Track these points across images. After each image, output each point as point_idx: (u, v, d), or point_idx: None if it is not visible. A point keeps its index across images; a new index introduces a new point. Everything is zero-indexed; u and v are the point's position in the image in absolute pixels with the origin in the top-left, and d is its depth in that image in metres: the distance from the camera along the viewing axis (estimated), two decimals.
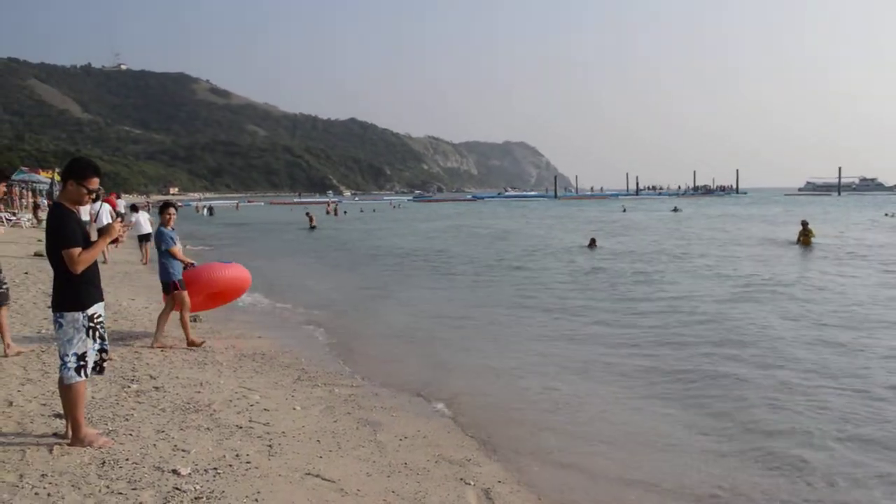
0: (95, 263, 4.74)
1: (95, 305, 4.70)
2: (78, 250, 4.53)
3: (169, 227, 8.54)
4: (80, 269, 4.55)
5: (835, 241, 26.44)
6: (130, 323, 9.65)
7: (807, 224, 25.34)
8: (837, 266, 18.45)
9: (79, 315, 4.60)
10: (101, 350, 4.78)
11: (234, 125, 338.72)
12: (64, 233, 4.55)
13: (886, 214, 48.54)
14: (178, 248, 8.54)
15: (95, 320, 4.69)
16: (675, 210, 61.71)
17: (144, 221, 19.38)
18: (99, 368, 4.83)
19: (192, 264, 8.88)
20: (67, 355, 4.60)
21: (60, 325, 4.61)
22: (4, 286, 7.30)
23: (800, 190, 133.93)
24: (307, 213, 42.98)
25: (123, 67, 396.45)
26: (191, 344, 8.42)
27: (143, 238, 18.95)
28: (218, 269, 9.29)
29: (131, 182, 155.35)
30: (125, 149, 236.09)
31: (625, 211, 63.55)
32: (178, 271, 8.49)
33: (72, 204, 4.69)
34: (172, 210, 8.69)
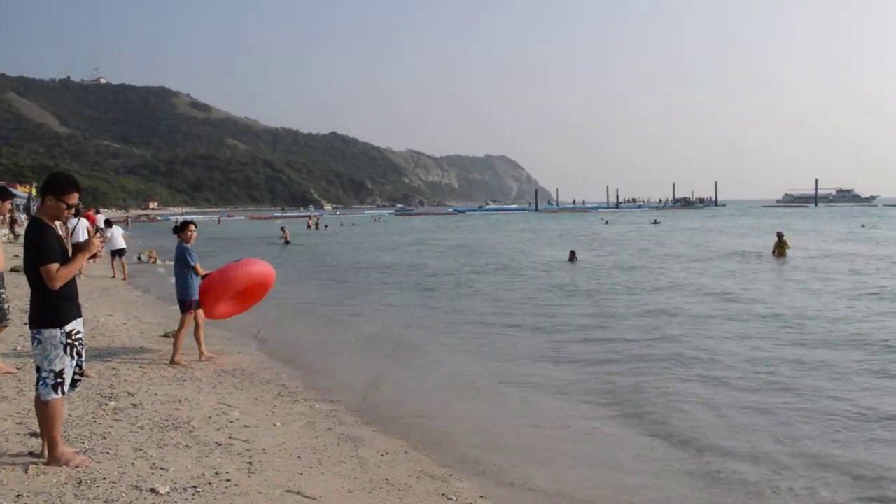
0: (74, 280, 4.69)
1: (74, 322, 4.64)
2: (56, 266, 4.47)
3: (190, 244, 8.57)
4: (57, 285, 4.49)
5: (813, 253, 26.53)
6: (108, 339, 9.54)
7: (782, 235, 25.32)
8: (813, 280, 18.55)
9: (57, 332, 4.53)
10: (78, 366, 4.71)
11: (214, 139, 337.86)
12: (42, 248, 4.49)
13: (863, 225, 49.33)
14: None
15: (73, 337, 4.62)
16: (655, 222, 62.27)
17: (118, 236, 19.30)
18: (73, 384, 4.74)
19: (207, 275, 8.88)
20: (45, 372, 4.54)
21: (39, 342, 4.54)
22: (6, 304, 7.23)
23: (778, 201, 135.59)
24: (282, 227, 42.80)
25: (103, 81, 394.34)
26: (204, 357, 8.70)
27: (117, 253, 18.87)
28: (232, 268, 9.10)
29: (110, 197, 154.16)
30: (104, 163, 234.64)
31: (607, 223, 63.91)
32: (196, 290, 8.50)
33: (50, 219, 4.64)
34: (193, 227, 8.73)
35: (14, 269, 15.68)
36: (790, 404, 7.17)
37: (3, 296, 7.20)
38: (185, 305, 8.47)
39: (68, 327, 4.58)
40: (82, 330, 4.76)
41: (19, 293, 12.06)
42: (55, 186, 4.60)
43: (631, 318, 12.56)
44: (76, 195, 4.68)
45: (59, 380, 4.55)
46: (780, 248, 24.69)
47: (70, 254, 4.69)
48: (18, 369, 7.27)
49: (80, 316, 4.76)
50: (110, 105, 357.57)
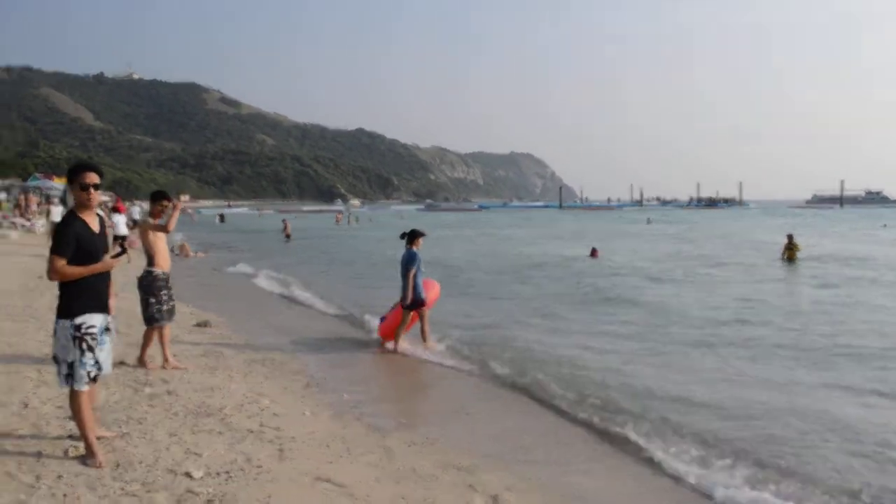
0: (102, 275, 4.65)
1: (87, 315, 4.55)
2: (60, 261, 4.44)
3: (417, 250, 9.48)
4: (54, 278, 4.49)
5: (824, 254, 25.74)
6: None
7: (792, 238, 24.19)
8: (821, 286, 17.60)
9: (66, 323, 4.52)
10: (95, 364, 4.61)
11: (243, 134, 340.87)
12: (56, 239, 4.51)
13: (885, 225, 48.79)
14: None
15: (83, 330, 4.53)
16: (648, 222, 62.10)
17: (121, 224, 20.59)
18: (92, 378, 4.66)
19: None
20: (60, 362, 4.58)
21: (55, 332, 4.61)
22: (171, 303, 7.47)
23: (807, 202, 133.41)
24: (283, 221, 41.57)
25: (135, 77, 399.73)
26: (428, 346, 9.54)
27: (117, 239, 19.61)
28: (434, 285, 10.17)
29: (142, 190, 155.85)
30: (136, 157, 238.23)
31: (649, 223, 62.24)
32: (423, 290, 9.44)
33: (81, 209, 4.63)
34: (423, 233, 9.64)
35: None
36: None
37: (166, 296, 7.44)
38: (419, 304, 9.40)
39: (78, 320, 4.51)
40: (99, 325, 4.61)
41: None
42: (70, 174, 4.66)
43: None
44: (90, 174, 4.62)
45: (69, 371, 4.54)
46: (791, 251, 23.54)
47: (109, 245, 4.77)
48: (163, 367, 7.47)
49: (100, 311, 4.64)
50: (142, 100, 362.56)
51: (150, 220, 7.49)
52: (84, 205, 4.62)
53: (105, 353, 4.69)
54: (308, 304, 14.00)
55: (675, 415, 6.78)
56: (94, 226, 4.66)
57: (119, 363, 7.01)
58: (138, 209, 45.54)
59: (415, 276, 9.35)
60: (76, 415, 4.62)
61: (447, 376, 8.54)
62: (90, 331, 4.55)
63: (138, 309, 7.60)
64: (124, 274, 10.78)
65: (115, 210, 24.19)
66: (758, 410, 6.94)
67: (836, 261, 23.58)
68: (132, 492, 4.23)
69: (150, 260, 7.41)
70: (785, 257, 23.48)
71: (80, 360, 4.53)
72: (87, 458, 4.61)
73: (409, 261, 9.35)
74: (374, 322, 10.69)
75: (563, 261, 24.05)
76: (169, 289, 7.53)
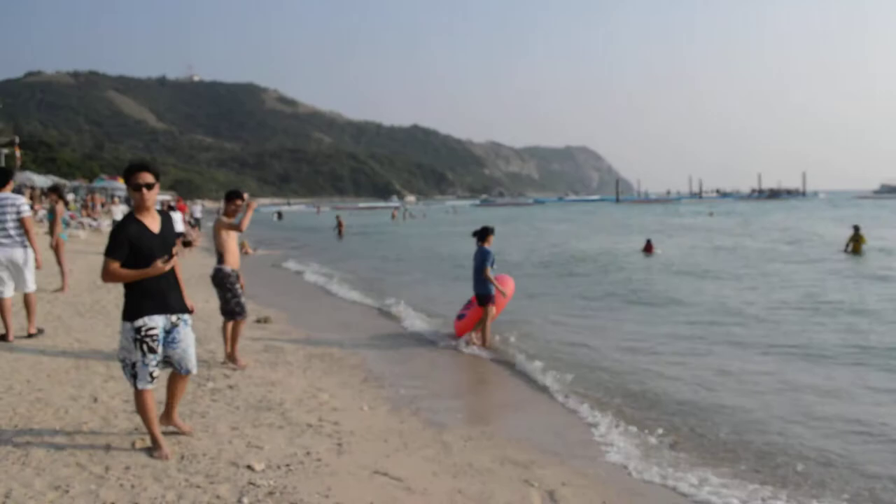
0: (165, 275, 4.63)
1: (146, 318, 4.56)
2: (112, 263, 4.48)
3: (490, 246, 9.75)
4: (107, 280, 4.56)
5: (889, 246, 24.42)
6: (205, 324, 9.96)
7: (858, 229, 22.98)
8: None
9: (128, 325, 4.57)
10: (156, 365, 4.65)
11: (300, 133, 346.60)
12: (109, 241, 4.54)
13: None
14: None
15: (143, 333, 4.55)
16: (710, 214, 60.31)
17: (179, 222, 21.41)
18: (151, 379, 4.67)
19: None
20: (124, 362, 4.66)
21: (121, 332, 4.69)
22: (233, 302, 7.57)
23: (874, 192, 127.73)
24: (337, 217, 41.96)
25: (196, 79, 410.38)
26: (485, 344, 9.58)
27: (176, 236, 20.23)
28: (509, 280, 10.49)
29: (203, 189, 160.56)
30: (197, 157, 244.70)
31: (711, 215, 60.34)
32: (492, 287, 9.58)
33: (138, 210, 4.65)
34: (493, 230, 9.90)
35: None
36: None
37: (239, 290, 7.61)
38: (484, 300, 9.55)
39: (138, 322, 4.54)
40: (160, 326, 4.62)
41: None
42: (125, 175, 4.63)
43: None
44: (143, 173, 4.58)
45: (133, 371, 4.60)
46: (856, 243, 22.38)
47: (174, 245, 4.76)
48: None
49: (161, 312, 4.63)
50: (203, 101, 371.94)
51: (224, 219, 7.55)
52: (139, 205, 4.62)
53: (181, 349, 4.74)
54: (359, 301, 14.08)
55: (709, 422, 6.61)
56: (154, 226, 4.66)
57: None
58: (200, 207, 46.80)
59: (486, 275, 9.53)
60: (140, 412, 4.72)
61: (502, 373, 8.51)
62: (150, 332, 4.57)
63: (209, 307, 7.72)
64: (185, 270, 11.02)
65: (172, 209, 24.91)
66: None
67: None
68: (196, 483, 4.34)
69: (221, 258, 7.52)
70: (850, 249, 22.45)
71: (143, 362, 4.57)
72: (154, 450, 4.73)
73: (483, 258, 9.55)
74: (412, 319, 11.13)
75: (615, 258, 23.61)
76: (240, 286, 7.64)
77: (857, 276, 17.19)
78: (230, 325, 7.56)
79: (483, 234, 9.68)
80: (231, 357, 7.58)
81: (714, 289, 15.16)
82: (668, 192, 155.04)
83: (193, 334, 4.90)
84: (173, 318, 4.71)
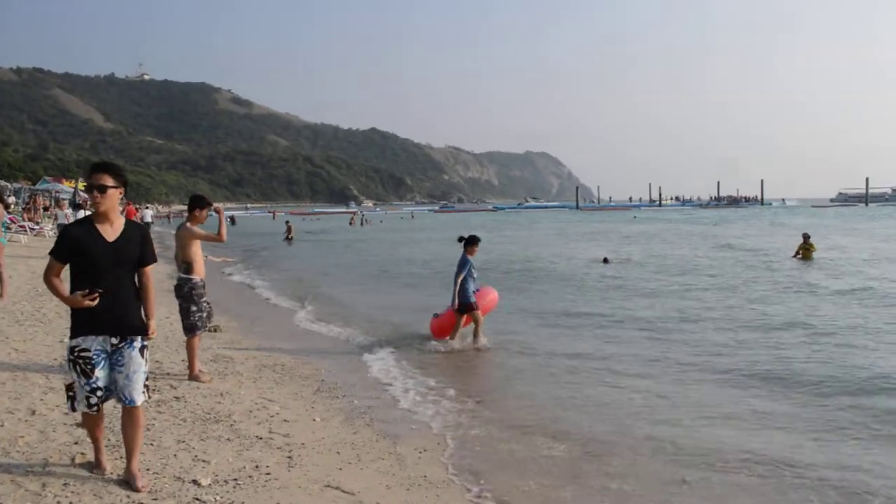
0: (105, 294, 4.16)
1: (79, 338, 4.19)
2: (56, 264, 4.20)
3: (471, 258, 9.95)
4: (44, 280, 4.25)
5: (837, 256, 24.61)
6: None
7: (808, 237, 23.44)
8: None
9: (67, 343, 4.31)
10: (93, 390, 4.21)
11: (255, 135, 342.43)
12: (56, 241, 4.33)
13: None
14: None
15: (76, 353, 4.19)
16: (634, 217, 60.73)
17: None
18: (91, 407, 4.27)
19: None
20: (64, 379, 4.45)
21: None
22: (209, 310, 7.38)
23: (831, 201, 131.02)
24: (286, 223, 41.42)
25: (146, 77, 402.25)
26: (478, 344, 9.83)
27: None
28: (488, 292, 10.67)
29: (153, 192, 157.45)
30: (147, 158, 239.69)
31: (715, 225, 58.75)
32: (472, 295, 9.86)
33: (94, 215, 4.30)
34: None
35: None
36: None
37: (205, 304, 7.37)
38: (467, 307, 9.81)
39: (72, 342, 4.21)
40: (94, 348, 4.19)
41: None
42: (85, 177, 4.47)
43: None
44: (98, 174, 4.20)
45: (71, 391, 4.31)
46: (806, 250, 22.84)
47: (146, 255, 4.41)
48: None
49: (97, 332, 4.20)
50: (153, 101, 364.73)
51: (196, 229, 7.25)
52: (95, 207, 4.26)
53: (123, 375, 4.24)
54: (308, 310, 13.89)
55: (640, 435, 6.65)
56: (109, 234, 4.24)
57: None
58: (151, 212, 45.90)
59: (463, 280, 9.75)
60: (88, 434, 4.49)
61: (468, 377, 8.45)
62: (83, 354, 4.18)
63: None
64: None
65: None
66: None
67: (849, 261, 22.97)
68: (138, 500, 4.18)
69: (188, 268, 7.22)
70: (799, 256, 22.95)
71: (79, 384, 4.24)
72: (95, 466, 4.53)
73: (460, 266, 9.81)
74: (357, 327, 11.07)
75: (573, 266, 23.86)
76: (206, 296, 7.42)
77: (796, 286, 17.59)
78: (196, 340, 7.29)
79: (468, 243, 9.90)
80: (192, 374, 7.26)
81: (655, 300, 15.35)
82: (630, 199, 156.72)
83: (144, 360, 4.33)
84: (113, 340, 4.23)
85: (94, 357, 4.19)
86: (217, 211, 7.43)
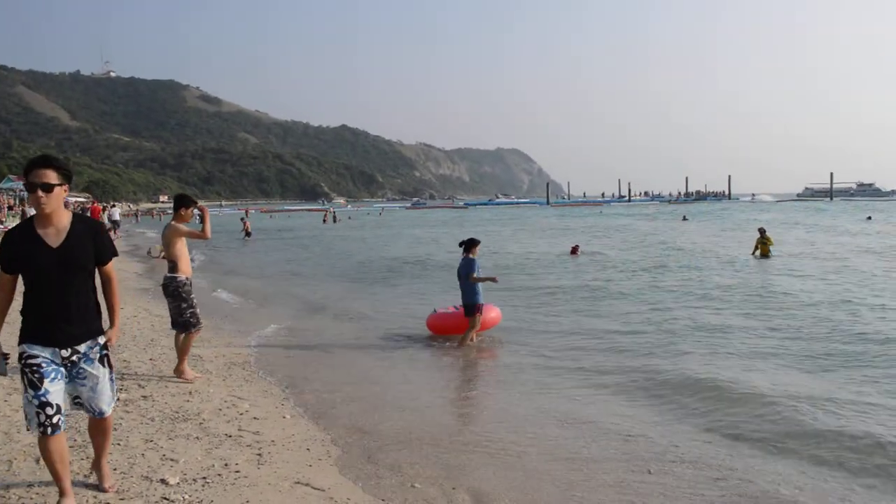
0: (49, 300, 3.76)
1: (26, 345, 3.75)
2: (2, 275, 3.79)
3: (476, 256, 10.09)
4: None
5: (799, 250, 24.85)
6: (119, 332, 9.60)
7: (764, 232, 22.78)
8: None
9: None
10: (42, 405, 3.69)
11: (224, 132, 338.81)
12: None
13: (868, 218, 48.78)
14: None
15: (23, 361, 3.74)
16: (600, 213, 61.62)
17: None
18: (44, 428, 3.71)
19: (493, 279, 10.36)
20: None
21: None
22: (188, 312, 7.24)
23: (798, 195, 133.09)
24: (242, 219, 40.55)
25: (113, 74, 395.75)
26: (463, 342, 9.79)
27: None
28: (494, 309, 10.75)
29: (121, 190, 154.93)
30: (114, 156, 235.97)
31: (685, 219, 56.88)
32: (481, 296, 9.87)
33: (36, 217, 3.81)
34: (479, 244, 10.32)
35: None
36: None
37: (195, 300, 7.32)
38: (473, 309, 9.77)
39: (20, 348, 3.78)
40: (42, 357, 3.74)
41: None
42: (24, 173, 3.81)
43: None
44: (39, 170, 3.67)
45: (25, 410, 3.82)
46: (764, 245, 22.23)
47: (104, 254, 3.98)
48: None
49: (45, 343, 3.76)
50: (120, 98, 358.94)
51: (182, 227, 7.23)
52: (36, 207, 3.71)
53: (89, 387, 3.89)
54: (276, 306, 13.84)
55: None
56: (53, 239, 3.71)
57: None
58: (119, 210, 45.14)
59: (473, 281, 9.83)
60: (45, 460, 3.88)
61: (428, 375, 8.47)
62: (30, 363, 3.71)
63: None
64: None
65: (84, 212, 23.97)
66: None
67: (808, 256, 23.00)
68: (105, 500, 4.14)
69: (174, 266, 7.19)
70: (757, 253, 22.37)
71: (26, 398, 3.74)
72: (60, 495, 3.93)
73: (469, 268, 9.90)
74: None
75: (544, 257, 24.02)
76: (193, 294, 7.37)
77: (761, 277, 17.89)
78: (181, 337, 7.25)
79: (469, 245, 10.15)
80: (180, 371, 7.24)
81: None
82: (603, 195, 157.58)
83: (107, 367, 3.98)
84: (64, 352, 3.79)
85: (44, 366, 3.73)
86: (201, 210, 7.45)
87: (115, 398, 4.12)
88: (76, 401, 3.95)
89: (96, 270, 3.96)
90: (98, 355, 3.92)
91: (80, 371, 3.87)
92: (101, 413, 4.01)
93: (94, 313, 3.95)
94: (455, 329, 10.12)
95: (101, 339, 3.96)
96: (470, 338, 9.82)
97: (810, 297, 13.62)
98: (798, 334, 10.23)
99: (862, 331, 10.34)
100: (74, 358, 3.83)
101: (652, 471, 5.22)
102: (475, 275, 9.84)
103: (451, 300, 11.76)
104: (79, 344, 3.84)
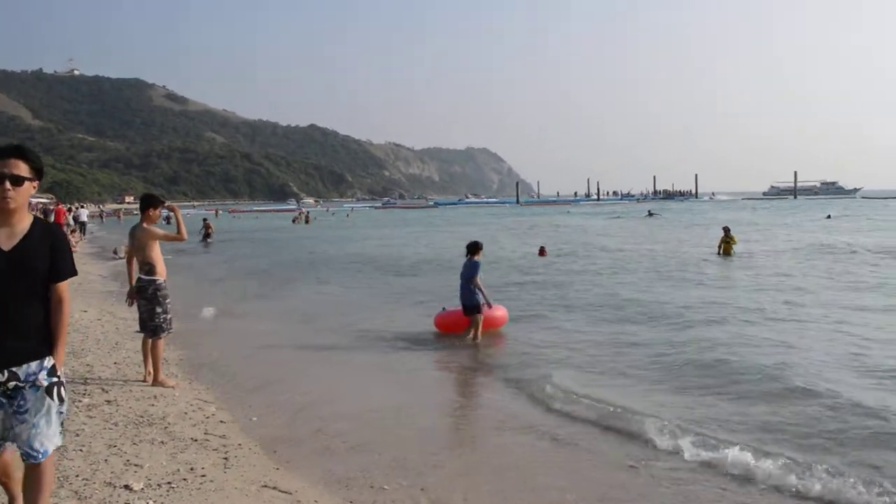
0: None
1: None
2: None
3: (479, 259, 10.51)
4: None
5: (761, 249, 25.04)
6: (82, 336, 9.44)
7: (729, 231, 22.93)
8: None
9: None
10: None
11: (191, 132, 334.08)
12: None
13: (829, 216, 49.75)
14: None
15: None
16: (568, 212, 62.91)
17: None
18: None
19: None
20: None
21: None
22: (162, 317, 7.10)
23: (764, 194, 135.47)
24: (204, 220, 40.21)
25: (77, 73, 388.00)
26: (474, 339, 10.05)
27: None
28: (497, 308, 10.79)
29: (85, 191, 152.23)
30: (78, 156, 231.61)
31: (649, 215, 58.81)
32: (480, 297, 10.19)
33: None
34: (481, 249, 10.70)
35: None
36: None
37: (170, 305, 7.22)
38: (471, 310, 10.14)
39: None
40: None
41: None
42: None
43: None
44: (9, 160, 3.25)
45: None
46: (727, 244, 22.40)
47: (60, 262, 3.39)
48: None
49: None
50: (84, 97, 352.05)
51: (156, 229, 7.15)
52: (0, 205, 3.22)
53: (29, 423, 3.20)
54: (245, 309, 13.73)
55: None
56: (4, 239, 3.22)
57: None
58: (86, 212, 44.21)
59: (473, 284, 10.17)
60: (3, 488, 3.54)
61: (391, 377, 8.45)
62: None
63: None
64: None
65: (48, 213, 23.44)
66: None
67: (761, 254, 23.15)
68: None
69: (151, 269, 7.07)
70: (721, 252, 22.51)
71: None
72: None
73: (473, 269, 10.28)
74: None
75: (512, 259, 24.10)
76: (170, 297, 7.27)
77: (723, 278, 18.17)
78: (150, 342, 7.11)
79: (473, 249, 10.59)
80: (157, 379, 7.09)
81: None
82: (576, 194, 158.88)
83: (55, 400, 3.26)
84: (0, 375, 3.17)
85: None
86: (171, 210, 7.37)
87: (61, 438, 3.35)
88: (6, 433, 3.23)
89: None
90: (46, 383, 3.24)
91: (23, 402, 3.20)
92: (36, 456, 3.22)
93: (44, 332, 3.30)
94: (462, 328, 10.38)
95: (48, 363, 3.27)
96: (474, 335, 10.09)
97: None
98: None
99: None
100: (12, 384, 3.18)
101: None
102: (478, 279, 10.21)
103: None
104: (19, 364, 3.20)
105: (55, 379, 3.28)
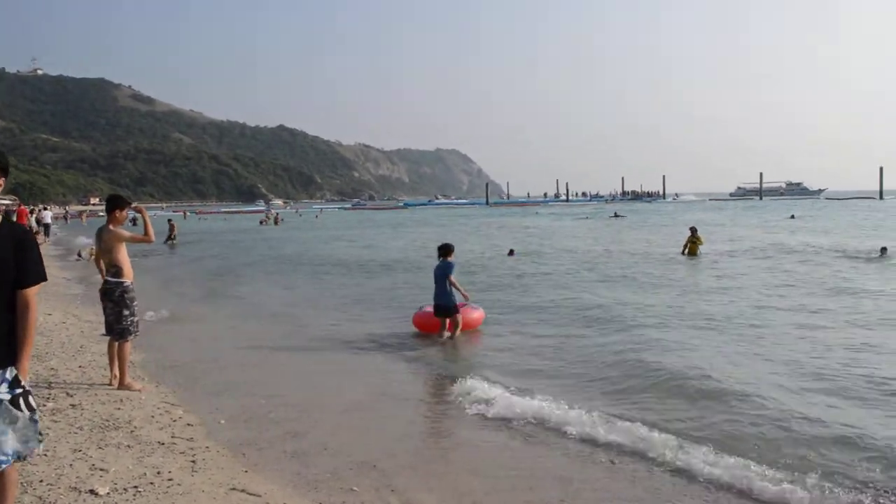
0: None
1: None
2: None
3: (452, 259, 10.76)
4: None
5: (727, 248, 25.34)
6: (46, 339, 9.28)
7: (695, 231, 22.97)
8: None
9: None
10: None
11: (157, 133, 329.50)
12: None
13: (792, 217, 50.68)
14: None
15: None
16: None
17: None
18: None
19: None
20: None
21: None
22: (129, 320, 6.98)
23: (731, 195, 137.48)
24: (169, 220, 39.65)
25: (40, 72, 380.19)
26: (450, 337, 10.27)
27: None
28: (474, 310, 11.08)
29: (49, 192, 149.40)
30: (42, 157, 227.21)
31: (615, 216, 59.22)
32: (456, 298, 10.46)
33: None
34: (452, 250, 10.92)
35: None
36: None
37: (136, 307, 7.14)
38: (444, 311, 10.34)
39: None
40: None
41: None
42: None
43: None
44: None
45: None
46: (693, 244, 22.46)
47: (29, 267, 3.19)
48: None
49: None
50: (48, 97, 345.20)
51: (123, 231, 7.07)
52: None
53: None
54: (215, 310, 13.62)
55: None
56: None
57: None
58: (50, 214, 43.39)
59: (449, 285, 10.36)
60: None
61: (364, 377, 8.44)
62: None
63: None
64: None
65: (10, 214, 22.95)
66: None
67: (731, 254, 23.39)
68: None
69: (118, 271, 6.97)
70: (686, 252, 22.59)
71: None
72: None
73: (447, 269, 10.48)
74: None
75: (482, 260, 24.19)
76: (136, 300, 7.18)
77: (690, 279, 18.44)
78: (117, 345, 7.00)
79: (445, 250, 10.83)
80: (123, 383, 6.99)
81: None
82: (546, 195, 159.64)
83: (22, 410, 3.07)
84: None
85: None
86: (139, 211, 7.31)
87: (39, 444, 3.21)
88: None
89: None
90: (10, 395, 3.04)
91: None
92: (5, 461, 3.04)
93: (8, 342, 3.10)
94: (438, 327, 10.47)
95: (10, 374, 3.06)
96: (449, 335, 10.24)
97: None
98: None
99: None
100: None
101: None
102: (453, 277, 10.36)
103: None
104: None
105: (19, 390, 3.07)
